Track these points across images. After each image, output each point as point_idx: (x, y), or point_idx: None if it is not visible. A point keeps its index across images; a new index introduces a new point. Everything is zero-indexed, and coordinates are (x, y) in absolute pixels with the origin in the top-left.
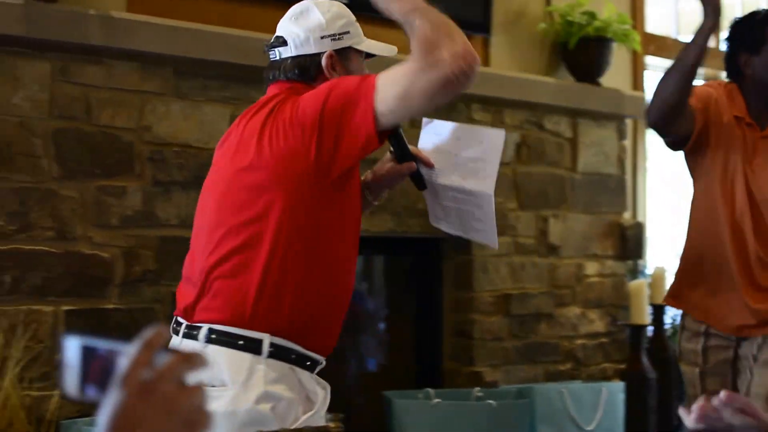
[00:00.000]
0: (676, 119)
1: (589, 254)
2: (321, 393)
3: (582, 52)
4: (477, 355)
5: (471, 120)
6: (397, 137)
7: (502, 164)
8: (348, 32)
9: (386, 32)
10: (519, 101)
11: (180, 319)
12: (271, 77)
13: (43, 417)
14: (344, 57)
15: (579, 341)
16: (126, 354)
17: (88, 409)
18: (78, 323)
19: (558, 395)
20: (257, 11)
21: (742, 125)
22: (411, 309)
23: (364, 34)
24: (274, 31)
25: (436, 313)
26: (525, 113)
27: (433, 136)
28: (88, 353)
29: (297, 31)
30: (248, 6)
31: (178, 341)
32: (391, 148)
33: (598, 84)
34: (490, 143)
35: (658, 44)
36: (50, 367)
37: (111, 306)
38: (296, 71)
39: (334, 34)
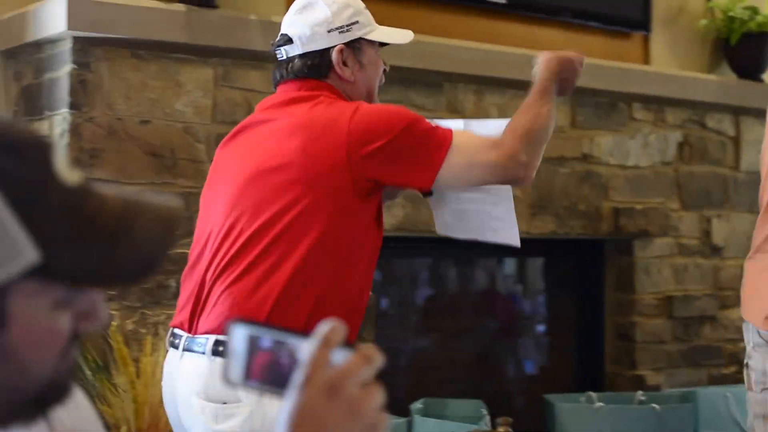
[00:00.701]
0: None
1: None
2: None
3: (744, 48)
4: (639, 358)
5: (632, 120)
6: None
7: (665, 164)
8: (357, 22)
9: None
10: (680, 99)
11: (178, 331)
12: (278, 77)
13: None
14: (356, 49)
15: (743, 344)
16: (303, 351)
17: None
18: None
19: (722, 399)
20: (416, 13)
21: None
22: (572, 311)
23: (377, 18)
24: (436, 33)
25: (597, 316)
26: (687, 112)
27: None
28: (253, 343)
29: (302, 28)
30: (407, 8)
31: (177, 355)
32: None
33: (761, 80)
34: (499, 134)
35: None
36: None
37: None
38: (305, 70)
39: (341, 27)
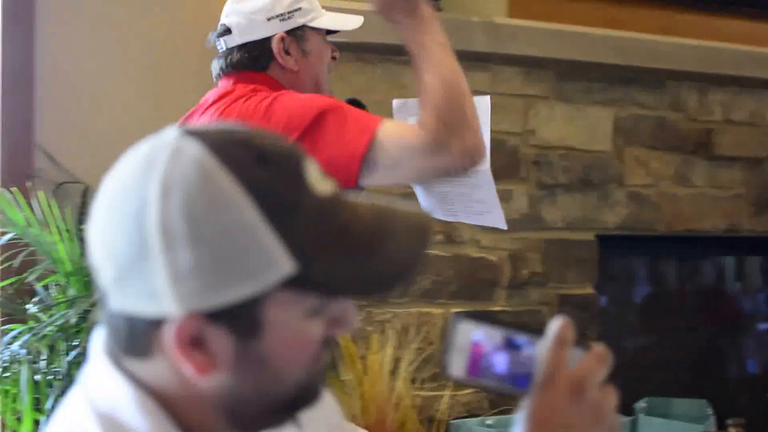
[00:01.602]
0: None
1: None
2: None
3: None
4: None
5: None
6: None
7: None
8: (299, 9)
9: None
10: None
11: None
12: (218, 70)
13: (433, 417)
14: (299, 37)
15: None
16: (538, 348)
17: (477, 409)
18: None
19: None
20: (640, 12)
21: None
22: None
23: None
24: (660, 31)
25: None
26: None
27: (409, 117)
28: (479, 338)
29: (239, 16)
30: (630, 7)
31: None
32: None
33: None
34: (482, 110)
35: None
36: (440, 368)
37: (498, 308)
38: (245, 62)
39: (282, 14)
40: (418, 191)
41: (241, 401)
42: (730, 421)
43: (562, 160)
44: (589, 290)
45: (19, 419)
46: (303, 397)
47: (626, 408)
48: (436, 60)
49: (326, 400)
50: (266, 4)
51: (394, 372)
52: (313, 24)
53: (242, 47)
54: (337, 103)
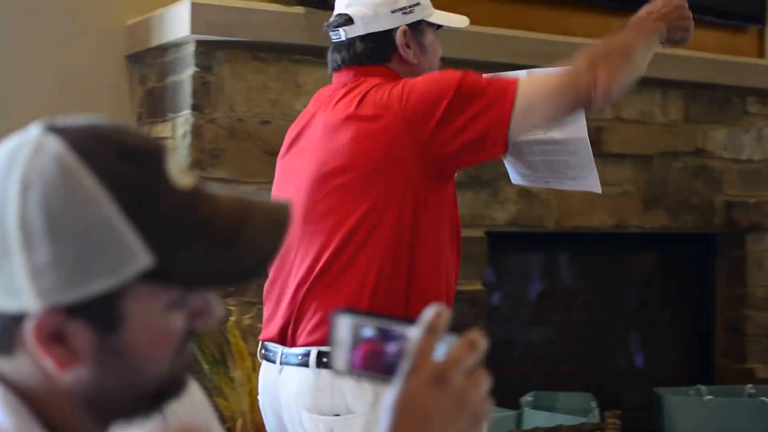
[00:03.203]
0: None
1: None
2: None
3: None
4: (750, 352)
5: (746, 114)
6: None
7: None
8: (418, 3)
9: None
10: None
11: (271, 345)
12: (339, 61)
13: None
14: (418, 31)
15: None
16: (408, 339)
17: None
18: None
19: None
20: (531, 11)
21: None
22: (684, 305)
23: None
24: (551, 30)
25: (708, 310)
26: None
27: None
28: (359, 331)
29: (364, 7)
30: (522, 6)
31: (275, 369)
32: None
33: None
34: None
35: None
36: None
37: None
38: (368, 53)
39: (404, 7)
40: (508, 162)
41: (103, 395)
42: (608, 413)
43: None
44: (478, 286)
45: None
46: (167, 390)
47: (513, 402)
48: (630, 59)
49: (194, 394)
50: None
51: None
52: (431, 19)
53: (365, 38)
54: (463, 71)
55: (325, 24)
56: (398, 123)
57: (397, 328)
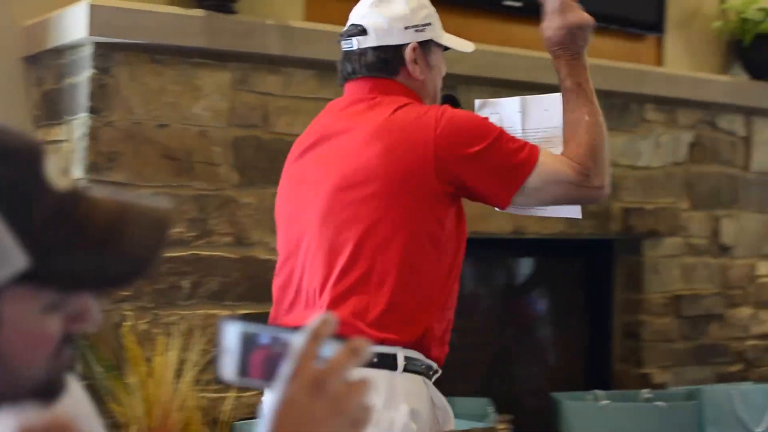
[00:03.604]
0: None
1: (762, 254)
2: (449, 407)
3: (757, 50)
4: (646, 357)
5: (644, 121)
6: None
7: (676, 164)
8: (430, 24)
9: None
10: (693, 101)
11: None
12: (350, 71)
13: (217, 418)
14: (426, 50)
15: (750, 342)
16: (293, 345)
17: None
18: None
19: (727, 397)
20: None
21: None
22: (581, 310)
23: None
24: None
25: (605, 315)
26: (698, 113)
27: (491, 115)
28: (248, 340)
29: (379, 20)
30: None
31: None
32: None
33: None
34: (557, 108)
35: None
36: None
37: None
38: (378, 65)
39: (417, 25)
40: None
41: None
42: (498, 417)
43: None
44: None
45: None
46: (42, 393)
47: None
48: (592, 101)
49: (75, 391)
50: (406, 13)
51: (179, 374)
52: (440, 41)
53: (377, 49)
54: (500, 128)
55: (339, 34)
56: (428, 143)
57: (285, 335)
